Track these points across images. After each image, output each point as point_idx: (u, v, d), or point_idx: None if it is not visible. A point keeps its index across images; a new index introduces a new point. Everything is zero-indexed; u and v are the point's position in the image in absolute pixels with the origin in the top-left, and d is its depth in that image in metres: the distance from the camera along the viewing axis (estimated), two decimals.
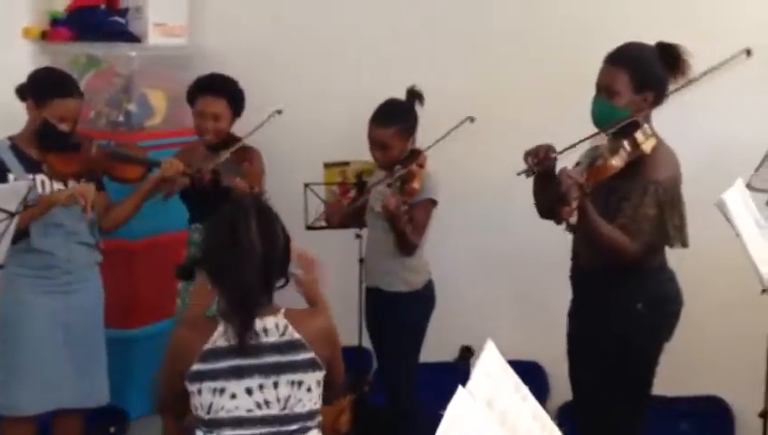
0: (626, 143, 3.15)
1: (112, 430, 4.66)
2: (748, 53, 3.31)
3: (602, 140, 3.28)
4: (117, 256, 4.42)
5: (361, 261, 4.19)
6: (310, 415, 2.64)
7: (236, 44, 5.09)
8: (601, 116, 3.32)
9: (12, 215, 3.16)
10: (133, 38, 4.92)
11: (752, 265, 3.25)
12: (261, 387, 2.58)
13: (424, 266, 4.04)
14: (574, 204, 3.01)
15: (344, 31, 4.97)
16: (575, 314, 3.57)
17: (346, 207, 4.11)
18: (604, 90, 3.32)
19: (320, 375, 2.64)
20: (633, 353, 3.31)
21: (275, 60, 5.06)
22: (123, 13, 4.95)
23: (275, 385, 2.58)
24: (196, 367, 2.58)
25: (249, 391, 2.57)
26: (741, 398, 4.28)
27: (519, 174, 3.33)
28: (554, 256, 4.51)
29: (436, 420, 4.56)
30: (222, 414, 2.58)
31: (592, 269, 3.40)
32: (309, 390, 2.62)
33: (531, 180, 4.40)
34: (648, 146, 3.18)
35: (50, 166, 3.75)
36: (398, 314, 3.98)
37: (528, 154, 3.32)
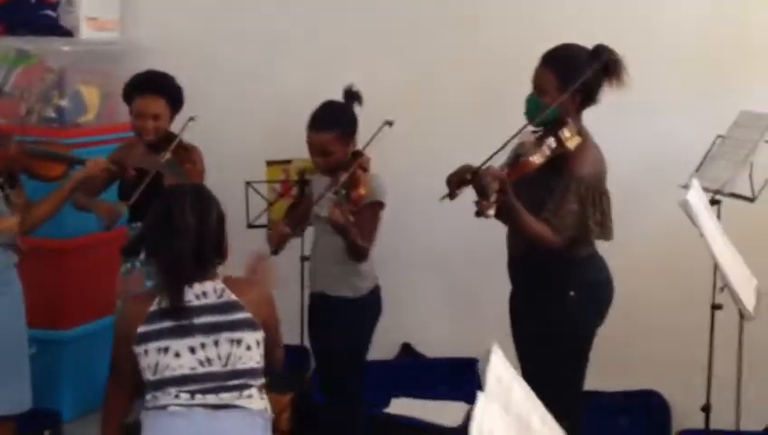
0: (551, 140, 3.26)
1: (46, 433, 4.56)
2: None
3: (525, 137, 3.35)
4: (48, 256, 4.35)
5: (303, 259, 4.16)
6: (252, 372, 2.81)
7: (169, 39, 5.04)
8: (531, 112, 3.42)
9: None
10: (65, 32, 4.85)
11: (718, 265, 3.32)
12: (203, 345, 2.77)
13: (371, 271, 3.92)
14: (493, 198, 3.07)
15: (279, 25, 4.95)
16: (512, 305, 3.64)
17: (288, 231, 3.98)
18: (536, 88, 3.44)
19: (258, 335, 2.83)
20: (566, 340, 3.39)
21: (209, 54, 5.03)
22: (54, 6, 4.86)
23: (216, 343, 2.78)
24: (141, 329, 2.79)
25: (192, 350, 2.77)
26: (678, 392, 4.37)
27: (441, 199, 3.41)
28: (488, 251, 4.58)
29: (379, 417, 4.59)
30: (167, 373, 2.76)
31: (524, 260, 3.49)
32: (248, 348, 2.80)
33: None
34: (572, 143, 3.27)
35: None
36: (343, 319, 3.87)
37: (449, 178, 3.41)
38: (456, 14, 4.73)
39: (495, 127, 4.49)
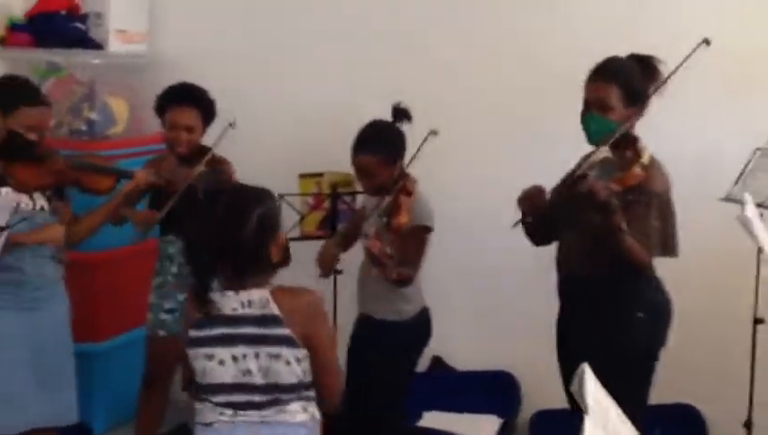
0: (631, 155, 3.21)
1: None
2: (707, 42, 3.31)
3: (602, 153, 3.28)
4: (78, 269, 4.32)
5: (337, 272, 4.12)
6: (292, 388, 2.78)
7: (198, 52, 5.06)
8: (597, 131, 3.34)
9: (2, 229, 3.07)
10: (94, 45, 4.87)
11: None
12: (244, 356, 2.76)
13: (417, 294, 3.81)
14: (618, 211, 3.07)
15: (310, 37, 4.95)
16: (567, 325, 3.58)
17: (338, 255, 3.90)
18: (596, 105, 3.35)
19: (298, 353, 2.76)
20: (635, 362, 3.35)
21: (238, 67, 5.01)
22: (83, 19, 4.90)
23: (256, 356, 2.76)
24: (192, 333, 2.81)
25: (235, 359, 2.76)
26: (715, 407, 4.33)
27: (515, 226, 3.43)
28: (520, 265, 4.58)
29: (411, 431, 4.54)
30: (211, 380, 2.78)
31: (588, 278, 3.42)
32: (288, 363, 2.76)
33: (504, 191, 4.47)
34: (646, 158, 3.23)
35: (16, 178, 3.61)
36: (386, 344, 3.75)
37: (521, 201, 3.40)
38: (505, 27, 4.72)
39: (529, 142, 4.54)
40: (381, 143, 3.70)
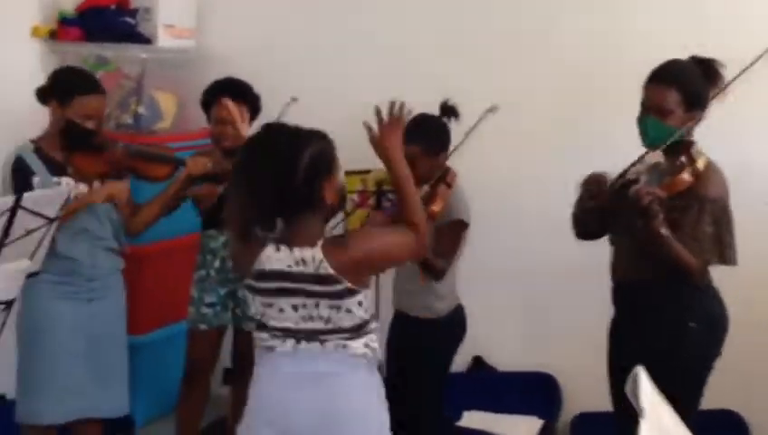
0: (684, 160, 3.19)
1: None
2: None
3: (655, 157, 3.27)
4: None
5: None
6: (354, 328, 2.80)
7: (244, 47, 5.09)
8: (654, 136, 3.32)
9: (51, 221, 3.11)
10: (143, 39, 4.91)
11: None
12: (305, 306, 2.77)
13: (450, 292, 3.86)
14: (661, 216, 3.05)
15: (356, 32, 4.96)
16: (619, 331, 3.55)
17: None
18: (654, 109, 3.32)
19: (360, 297, 2.78)
20: (683, 372, 3.29)
21: (285, 63, 5.04)
22: (133, 14, 4.94)
23: (317, 306, 2.77)
24: (249, 281, 2.82)
25: (295, 308, 2.78)
26: (759, 413, 4.29)
27: (582, 207, 3.41)
28: (563, 266, 4.57)
29: (451, 431, 4.55)
30: (272, 323, 2.82)
31: (639, 285, 3.40)
32: (349, 311, 2.77)
33: (545, 192, 4.46)
34: (701, 163, 3.21)
35: (75, 167, 3.71)
36: (420, 341, 3.81)
37: (586, 184, 3.38)
38: (546, 28, 4.71)
39: (571, 143, 4.52)
40: (425, 134, 3.75)
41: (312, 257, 2.72)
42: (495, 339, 4.87)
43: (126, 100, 4.81)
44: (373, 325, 2.86)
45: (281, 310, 2.78)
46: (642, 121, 3.35)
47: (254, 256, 2.78)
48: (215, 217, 4.09)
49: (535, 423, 4.55)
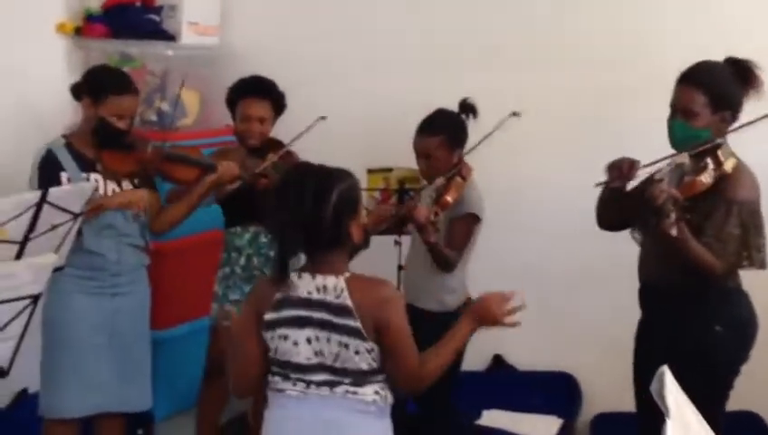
0: (709, 161, 3.19)
1: (140, 432, 4.62)
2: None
3: (682, 159, 3.27)
4: None
5: (400, 268, 4.14)
6: (363, 374, 2.80)
7: (268, 45, 5.11)
8: (681, 138, 3.33)
9: (76, 216, 3.13)
10: (168, 36, 4.94)
11: None
12: (317, 339, 2.79)
13: (460, 286, 3.93)
14: (672, 216, 3.04)
15: (381, 30, 4.97)
16: (646, 333, 3.55)
17: (390, 214, 4.00)
18: (681, 111, 3.32)
19: (367, 345, 2.77)
20: (708, 376, 3.28)
21: (308, 61, 5.05)
22: (158, 11, 4.98)
23: (327, 340, 2.78)
24: (269, 316, 2.83)
25: (308, 341, 2.79)
26: None
27: (598, 185, 3.39)
28: (584, 266, 4.56)
29: (471, 429, 4.55)
30: (286, 358, 2.82)
31: (665, 287, 3.41)
32: (357, 353, 2.77)
33: (565, 192, 4.45)
34: (729, 165, 3.21)
35: (104, 164, 3.73)
36: (429, 333, 3.83)
37: (612, 167, 3.36)
38: (572, 26, 4.70)
39: (598, 142, 4.50)
40: (443, 127, 3.87)
41: (334, 286, 2.78)
42: (515, 338, 4.72)
43: (150, 96, 4.82)
44: (382, 375, 2.84)
45: (295, 343, 2.80)
46: (670, 123, 3.37)
47: (276, 286, 2.83)
48: (240, 214, 4.13)
49: (555, 423, 4.55)
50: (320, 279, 2.79)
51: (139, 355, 3.89)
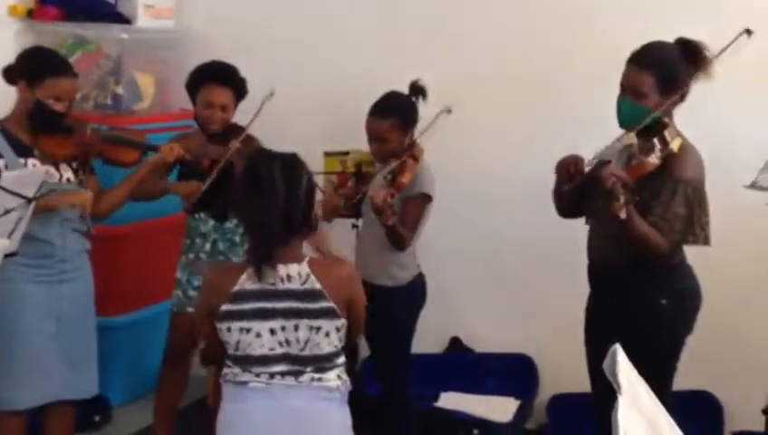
0: (656, 142, 3.23)
1: (96, 418, 4.63)
2: (748, 32, 3.27)
3: (629, 139, 3.30)
4: (101, 242, 4.33)
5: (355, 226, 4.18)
6: (327, 357, 2.87)
7: (224, 28, 5.08)
8: (628, 117, 3.37)
9: (29, 201, 3.09)
10: (123, 19, 4.89)
11: None
12: (283, 328, 2.81)
13: (411, 262, 3.99)
14: (622, 199, 3.07)
15: (338, 15, 4.96)
16: (595, 310, 3.60)
17: (341, 204, 4.01)
18: (630, 91, 3.37)
19: (338, 323, 2.85)
20: (657, 349, 3.35)
21: (265, 44, 5.03)
22: None
23: (296, 328, 2.82)
24: (225, 307, 2.84)
25: (272, 332, 2.81)
26: (734, 395, 4.34)
27: (563, 188, 3.42)
28: (541, 248, 4.61)
29: (428, 411, 4.57)
30: (248, 351, 2.83)
31: (613, 266, 3.45)
32: (327, 335, 2.84)
33: (520, 172, 4.47)
34: (675, 145, 3.25)
35: (42, 149, 3.65)
36: (382, 308, 3.84)
37: (559, 169, 3.40)
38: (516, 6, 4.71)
39: (549, 122, 4.54)
40: (395, 110, 3.91)
41: (298, 273, 2.82)
42: (473, 321, 4.90)
43: (104, 80, 4.77)
44: (343, 358, 2.93)
45: (258, 335, 2.82)
46: (619, 101, 3.41)
47: (233, 278, 2.84)
48: (205, 201, 4.08)
49: (512, 404, 4.57)
50: (282, 269, 2.82)
51: (86, 341, 3.82)
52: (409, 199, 3.87)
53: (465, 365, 4.87)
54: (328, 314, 2.82)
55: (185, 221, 4.21)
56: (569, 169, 3.36)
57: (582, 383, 3.64)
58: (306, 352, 2.82)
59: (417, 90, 3.97)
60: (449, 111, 3.86)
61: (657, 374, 3.30)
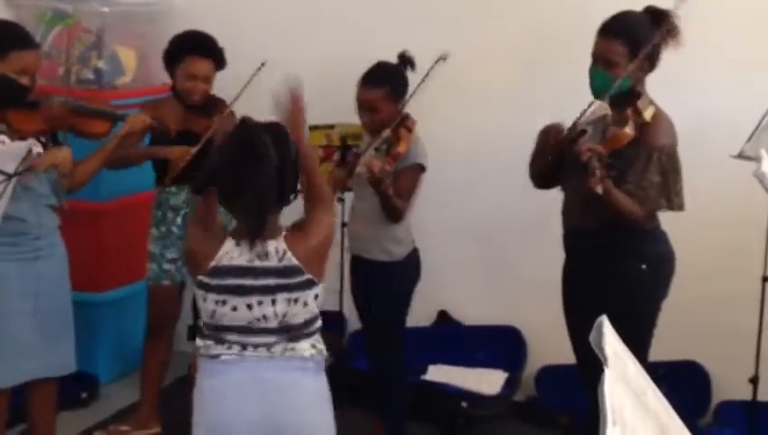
0: (630, 111, 3.27)
1: (84, 395, 4.64)
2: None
3: (603, 110, 3.34)
4: (83, 218, 4.38)
5: (344, 225, 4.17)
6: (305, 324, 2.86)
7: (206, 1, 5.01)
8: (600, 87, 3.41)
9: (10, 177, 3.07)
10: None
11: None
12: (260, 303, 2.80)
13: (407, 236, 3.99)
14: (598, 173, 3.09)
15: None
16: (572, 278, 3.64)
17: (345, 176, 4.00)
18: (601, 61, 3.41)
19: (317, 289, 2.85)
20: (636, 314, 3.39)
21: (247, 15, 5.01)
22: None
23: (273, 302, 2.81)
24: (203, 278, 2.83)
25: (249, 307, 2.80)
26: (721, 364, 4.37)
27: (545, 158, 3.45)
28: (527, 220, 4.62)
29: (416, 384, 4.59)
30: (224, 322, 2.83)
31: (590, 232, 3.50)
32: (305, 304, 2.84)
33: (505, 144, 4.47)
34: (648, 114, 3.30)
35: (10, 123, 3.58)
36: (378, 283, 3.96)
37: (540, 137, 3.45)
38: None
39: (532, 94, 4.54)
40: (386, 79, 3.91)
41: (275, 249, 2.80)
42: (461, 293, 4.91)
43: (86, 54, 4.75)
44: (319, 323, 2.92)
45: (234, 308, 2.81)
46: (591, 72, 3.45)
47: (212, 251, 2.81)
48: (180, 174, 4.06)
49: (500, 376, 4.59)
50: (259, 246, 2.78)
51: (62, 318, 3.79)
52: (404, 170, 3.86)
53: (452, 338, 4.89)
54: (306, 285, 2.82)
55: (156, 193, 4.21)
56: (549, 138, 3.41)
57: (570, 355, 3.66)
58: (283, 324, 2.82)
59: (406, 60, 3.96)
60: (445, 59, 3.87)
61: (637, 340, 3.36)
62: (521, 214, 4.67)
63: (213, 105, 4.09)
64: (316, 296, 2.86)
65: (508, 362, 4.73)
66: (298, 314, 2.83)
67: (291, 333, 2.84)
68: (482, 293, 4.89)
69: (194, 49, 4.09)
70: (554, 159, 3.45)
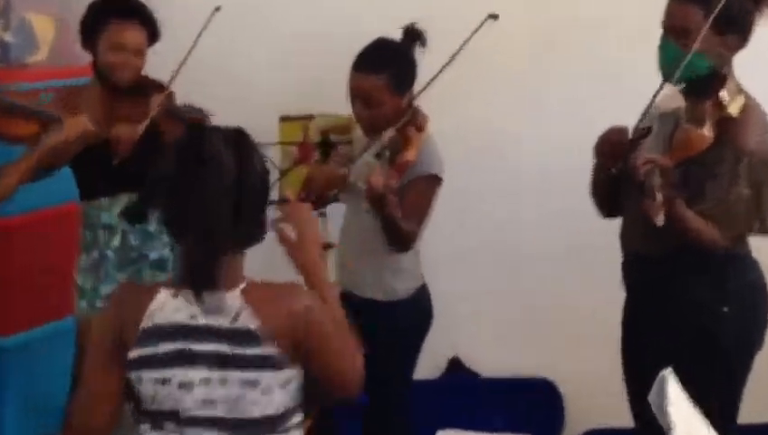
0: (708, 104, 3.14)
1: None
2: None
3: (674, 101, 3.26)
4: None
5: (327, 246, 4.09)
6: (271, 421, 2.58)
7: None
8: (671, 63, 3.28)
9: None
10: None
11: None
12: (207, 381, 2.56)
13: (414, 269, 3.87)
14: (659, 196, 3.01)
15: None
16: (633, 317, 3.57)
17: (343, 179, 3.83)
18: (673, 32, 3.29)
19: (285, 375, 2.56)
20: (717, 371, 3.33)
21: None
22: None
23: (222, 382, 2.56)
24: (134, 353, 2.57)
25: (191, 386, 2.56)
26: None
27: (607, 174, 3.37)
28: (570, 242, 4.58)
29: None
30: (167, 406, 2.57)
31: (654, 258, 3.41)
32: (267, 392, 2.56)
33: (542, 148, 4.45)
34: (735, 107, 3.17)
35: None
36: (377, 330, 3.65)
37: (600, 149, 3.36)
38: None
39: (547, 83, 4.52)
40: (389, 64, 3.74)
41: (230, 304, 2.55)
42: (477, 337, 4.85)
43: None
44: (297, 419, 2.64)
45: (181, 386, 2.55)
46: (661, 46, 3.34)
47: (141, 308, 2.58)
48: (103, 181, 4.02)
49: None
50: (206, 297, 2.53)
51: None
52: (413, 183, 3.72)
53: (467, 393, 4.86)
54: (265, 363, 2.53)
55: (81, 210, 4.09)
56: (613, 146, 3.30)
57: (620, 417, 3.68)
58: (236, 415, 2.55)
59: (414, 35, 3.83)
60: (496, 17, 3.80)
61: (719, 405, 3.23)
62: (558, 235, 4.63)
63: (147, 88, 3.94)
64: (283, 385, 2.55)
65: (540, 425, 4.70)
66: (256, 406, 2.55)
67: (251, 428, 2.53)
68: (504, 336, 4.82)
69: (118, 13, 3.94)
70: (620, 172, 3.32)
